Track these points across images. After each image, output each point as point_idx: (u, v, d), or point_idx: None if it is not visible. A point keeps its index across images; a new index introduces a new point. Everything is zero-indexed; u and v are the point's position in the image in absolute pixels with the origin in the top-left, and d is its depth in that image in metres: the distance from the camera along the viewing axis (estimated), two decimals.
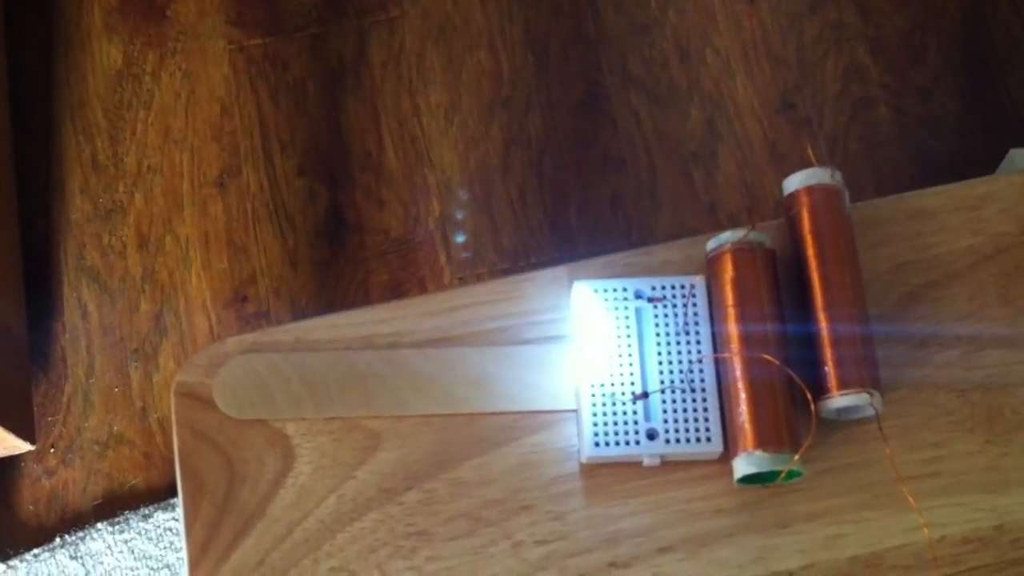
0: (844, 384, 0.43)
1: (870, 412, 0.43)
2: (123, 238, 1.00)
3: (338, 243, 0.97)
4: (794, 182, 0.46)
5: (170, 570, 0.94)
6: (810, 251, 0.45)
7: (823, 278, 0.44)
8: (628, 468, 0.44)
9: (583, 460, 0.43)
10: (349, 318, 0.46)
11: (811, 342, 0.44)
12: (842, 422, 0.44)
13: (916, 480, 0.44)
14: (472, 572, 0.43)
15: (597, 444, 0.42)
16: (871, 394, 0.43)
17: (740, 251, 0.45)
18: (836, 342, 0.44)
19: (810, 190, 0.45)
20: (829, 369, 0.43)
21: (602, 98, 0.96)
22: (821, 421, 0.44)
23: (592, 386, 0.43)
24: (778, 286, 0.45)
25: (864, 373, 0.43)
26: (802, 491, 0.44)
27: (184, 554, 0.43)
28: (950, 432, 0.44)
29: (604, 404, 0.43)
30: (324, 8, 1.04)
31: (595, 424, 0.43)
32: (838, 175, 0.46)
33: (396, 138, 1.02)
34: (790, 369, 0.43)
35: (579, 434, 0.44)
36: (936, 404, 0.45)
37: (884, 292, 0.46)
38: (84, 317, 0.98)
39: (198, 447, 0.44)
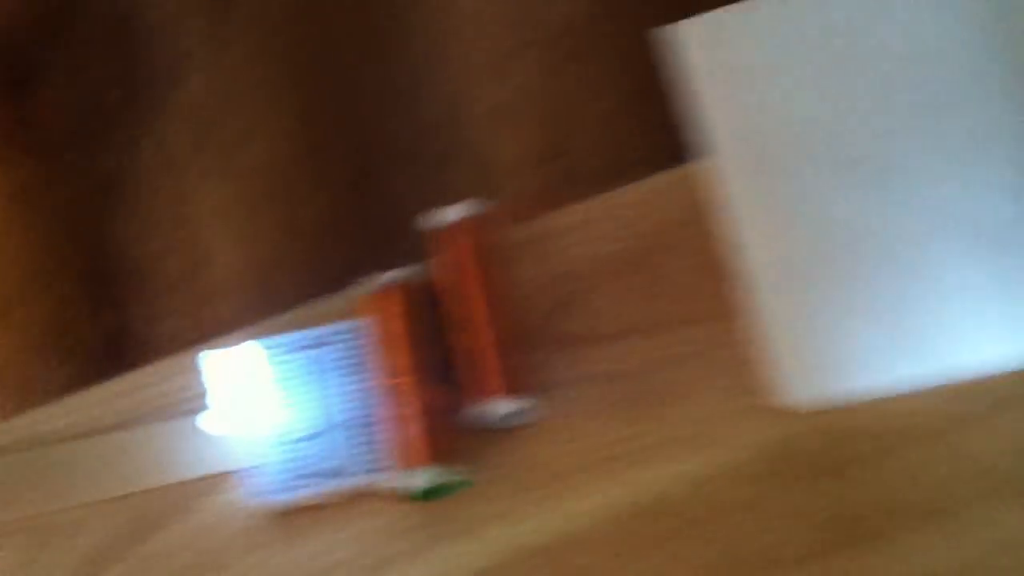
0: (501, 393, 0.47)
1: (530, 415, 0.48)
2: None
3: (124, 364, 0.98)
4: (442, 217, 0.50)
5: None
6: (461, 278, 0.49)
7: (469, 301, 0.49)
8: (316, 508, 0.47)
9: (271, 508, 0.46)
10: (34, 417, 0.49)
11: (470, 360, 0.48)
12: (510, 428, 0.49)
13: (570, 471, 0.48)
14: None
15: (280, 490, 0.46)
16: (526, 398, 0.47)
17: (396, 289, 0.49)
18: (490, 357, 0.48)
19: (457, 223, 0.50)
20: (487, 382, 0.48)
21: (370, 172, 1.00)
22: (488, 431, 0.48)
23: (267, 437, 0.47)
24: (434, 315, 0.49)
25: (518, 381, 0.48)
26: (482, 497, 0.48)
27: None
28: (605, 419, 0.49)
29: (282, 451, 0.46)
30: (86, 125, 1.06)
31: (276, 471, 0.46)
32: (484, 205, 0.51)
33: (172, 246, 1.04)
34: (452, 388, 0.47)
35: (262, 484, 0.47)
36: (590, 397, 0.49)
37: (537, 304, 0.51)
38: None
39: None
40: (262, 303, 1.03)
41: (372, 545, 0.47)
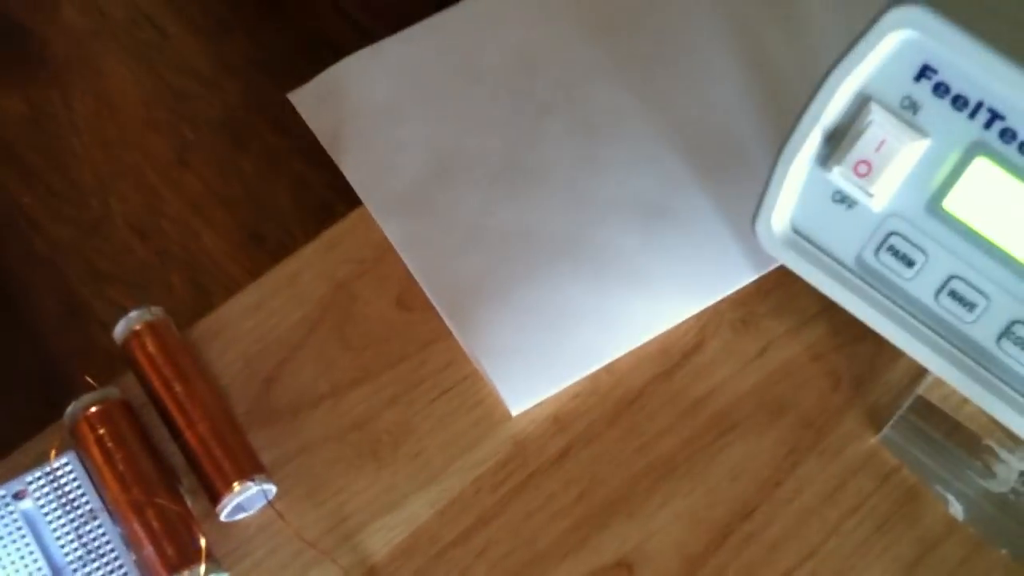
0: (229, 483, 0.46)
1: (265, 495, 0.48)
2: None
3: None
4: (120, 330, 0.49)
5: None
6: (156, 385, 0.49)
7: (175, 403, 0.48)
8: None
9: None
10: None
11: (195, 461, 0.47)
12: (254, 512, 0.48)
13: (325, 534, 0.48)
14: None
15: None
16: (260, 480, 0.47)
17: (94, 414, 0.47)
18: (208, 453, 0.47)
19: (136, 332, 0.49)
20: (212, 478, 0.47)
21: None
22: (232, 524, 0.47)
23: None
24: (142, 430, 0.48)
25: (244, 466, 0.47)
26: None
27: None
28: (347, 476, 0.49)
29: None
30: None
31: None
32: (157, 309, 0.50)
33: None
34: (178, 496, 0.46)
35: None
36: (325, 460, 0.50)
37: (245, 387, 0.51)
38: None
39: None
40: None
41: None
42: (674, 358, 0.53)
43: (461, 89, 0.58)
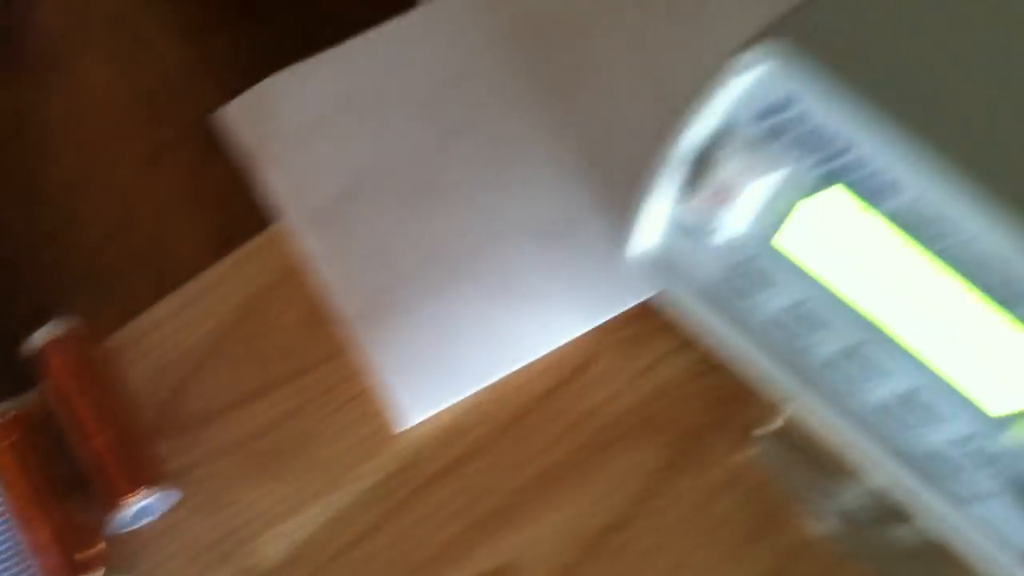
0: (132, 492, 0.50)
1: (166, 502, 0.51)
2: None
3: None
4: (31, 344, 0.53)
5: None
6: (60, 398, 0.52)
7: (77, 415, 0.52)
8: None
9: None
10: None
11: (97, 469, 0.51)
12: (152, 520, 0.52)
13: (220, 541, 0.52)
14: None
15: None
16: (160, 489, 0.50)
17: (3, 423, 0.51)
18: (112, 462, 0.51)
19: (46, 346, 0.53)
20: (115, 485, 0.50)
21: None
22: (133, 531, 0.51)
23: None
24: (51, 440, 0.51)
25: (148, 475, 0.51)
26: None
27: None
28: (248, 484, 0.53)
29: None
30: None
31: None
32: (73, 319, 0.53)
33: None
34: (89, 501, 0.50)
35: None
36: (229, 467, 0.53)
37: (155, 396, 0.55)
38: None
39: None
40: None
41: None
42: (564, 374, 0.56)
43: (381, 109, 0.61)
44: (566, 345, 0.56)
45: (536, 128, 0.60)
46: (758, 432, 0.53)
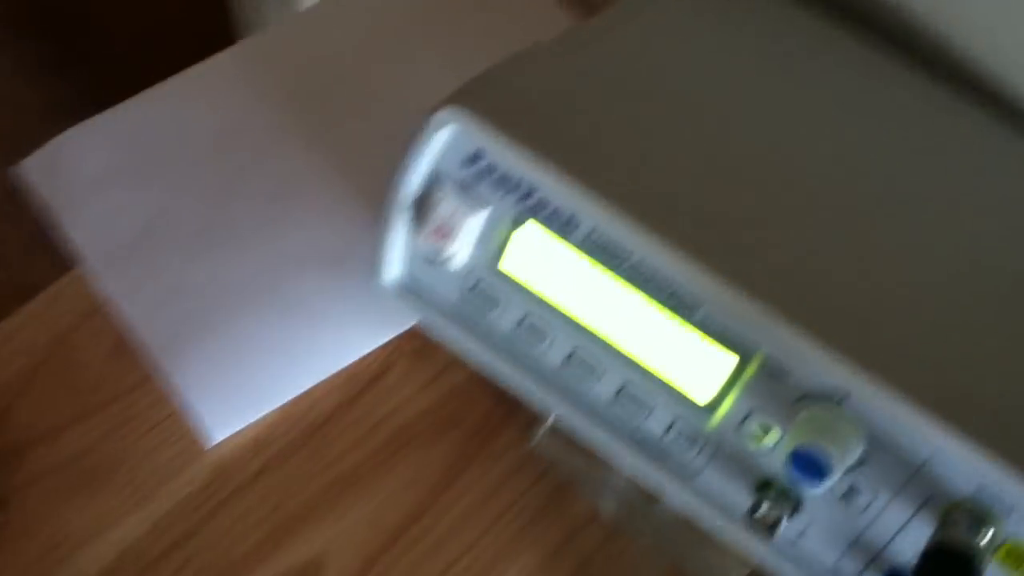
0: None
1: None
2: None
3: None
4: None
5: None
6: None
7: None
8: None
9: None
10: None
11: None
12: None
13: (43, 556, 0.56)
14: None
15: None
16: None
17: None
18: None
19: None
20: None
21: None
22: None
23: None
24: None
25: None
26: None
27: None
28: (64, 506, 0.57)
29: None
30: None
31: None
32: None
33: None
34: None
35: None
36: (45, 492, 0.57)
37: None
38: None
39: None
40: None
41: None
42: (361, 383, 0.62)
43: (169, 159, 0.66)
44: (363, 358, 0.62)
45: (312, 167, 0.67)
46: (535, 428, 0.60)
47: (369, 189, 0.66)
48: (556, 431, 0.59)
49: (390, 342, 0.63)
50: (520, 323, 0.48)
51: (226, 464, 0.59)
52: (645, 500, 0.58)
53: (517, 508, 0.60)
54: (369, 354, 0.63)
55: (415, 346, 0.63)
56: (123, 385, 0.60)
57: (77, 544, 0.56)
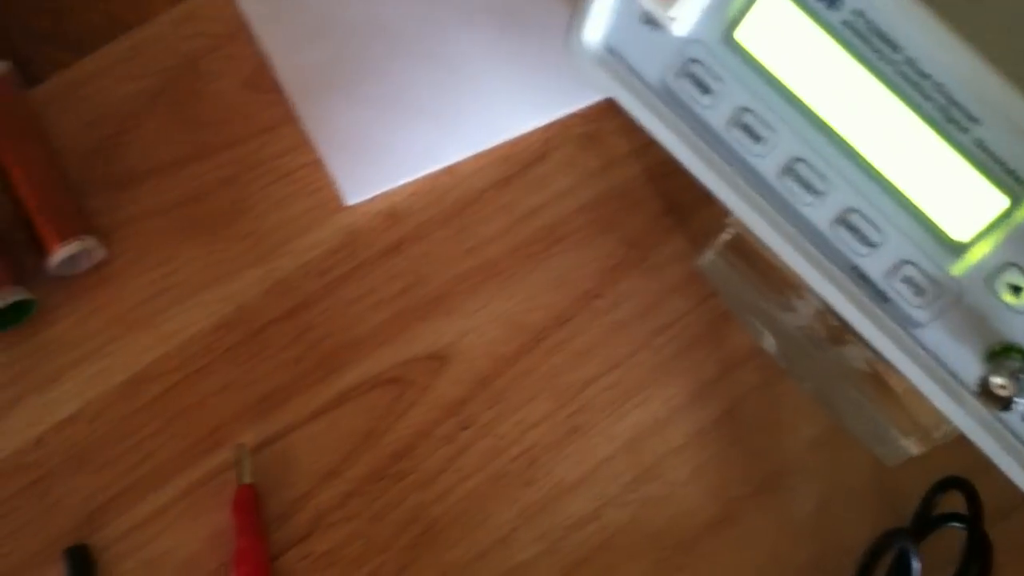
0: (58, 239, 0.50)
1: (94, 256, 0.51)
2: None
3: None
4: None
5: None
6: None
7: (10, 155, 0.51)
8: None
9: None
10: None
11: (22, 217, 0.50)
12: (78, 273, 0.51)
13: (150, 299, 0.52)
14: None
15: None
16: (84, 239, 0.50)
17: None
18: (39, 208, 0.50)
19: None
20: (39, 234, 0.50)
21: None
22: (60, 280, 0.51)
23: None
24: None
25: (73, 225, 0.50)
26: (61, 343, 0.50)
27: None
28: (176, 247, 0.53)
29: None
30: None
31: None
32: (4, 65, 0.52)
33: None
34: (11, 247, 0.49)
35: None
36: (155, 230, 0.53)
37: (78, 151, 0.54)
38: None
39: None
40: None
41: None
42: (515, 167, 0.56)
43: None
44: (519, 138, 0.56)
45: None
46: (709, 243, 0.54)
47: None
48: (732, 250, 0.53)
49: (556, 122, 0.57)
50: (740, 113, 0.40)
51: (358, 231, 0.54)
52: (816, 344, 0.52)
53: (673, 331, 0.54)
54: (530, 132, 0.56)
55: (585, 130, 0.57)
56: (254, 124, 0.55)
57: (188, 291, 0.52)
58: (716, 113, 0.41)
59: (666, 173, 0.56)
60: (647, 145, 0.56)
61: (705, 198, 0.51)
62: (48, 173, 0.51)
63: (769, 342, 0.54)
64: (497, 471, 0.51)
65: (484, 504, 0.50)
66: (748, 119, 0.41)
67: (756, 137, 0.41)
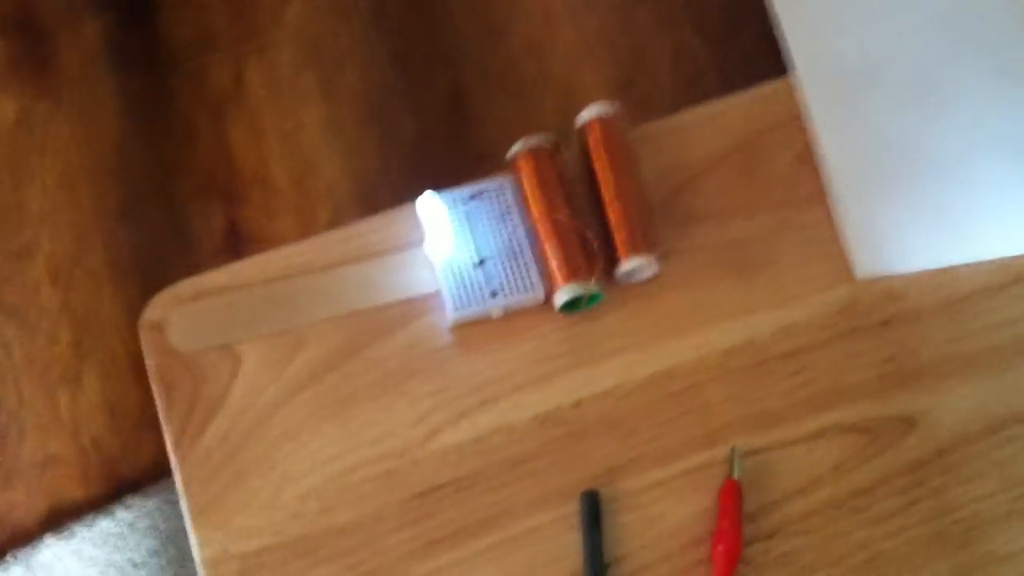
0: (631, 252, 0.64)
1: (651, 271, 0.65)
2: (36, 276, 1.17)
3: (237, 256, 1.16)
4: (584, 115, 0.67)
5: (116, 568, 1.11)
6: (598, 158, 0.67)
7: (611, 175, 0.66)
8: (484, 325, 0.65)
9: (448, 324, 0.64)
10: (266, 257, 0.66)
11: (606, 225, 0.66)
12: (638, 282, 0.66)
13: (685, 316, 0.66)
14: (384, 420, 0.63)
15: (456, 307, 0.63)
16: (651, 257, 0.64)
17: (532, 151, 0.66)
18: (620, 224, 0.65)
19: (597, 118, 0.67)
20: (620, 241, 0.65)
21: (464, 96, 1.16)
22: (617, 283, 0.66)
23: (446, 264, 0.64)
24: (563, 175, 0.66)
25: (646, 243, 0.65)
26: (610, 333, 0.65)
27: (167, 441, 0.62)
28: (711, 280, 0.66)
29: (456, 276, 0.64)
30: (200, 42, 1.23)
31: (452, 292, 0.64)
32: (617, 105, 0.68)
33: (281, 154, 1.22)
34: (586, 231, 0.65)
35: (442, 304, 0.64)
36: (699, 262, 0.67)
37: (658, 186, 0.68)
38: (8, 353, 1.15)
39: (165, 362, 0.64)
40: (362, 207, 1.20)
41: (530, 363, 0.65)
42: (1010, 276, 0.65)
43: (899, 9, 0.70)
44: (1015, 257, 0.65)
45: None
46: None
47: None
48: None
49: None
50: None
51: (860, 300, 0.66)
52: None
53: None
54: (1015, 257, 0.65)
55: None
56: (796, 195, 0.68)
57: (712, 317, 0.66)
58: None
59: None
60: None
61: None
62: (635, 198, 0.66)
63: None
64: (938, 528, 0.61)
65: (923, 550, 0.60)
66: None
67: None
